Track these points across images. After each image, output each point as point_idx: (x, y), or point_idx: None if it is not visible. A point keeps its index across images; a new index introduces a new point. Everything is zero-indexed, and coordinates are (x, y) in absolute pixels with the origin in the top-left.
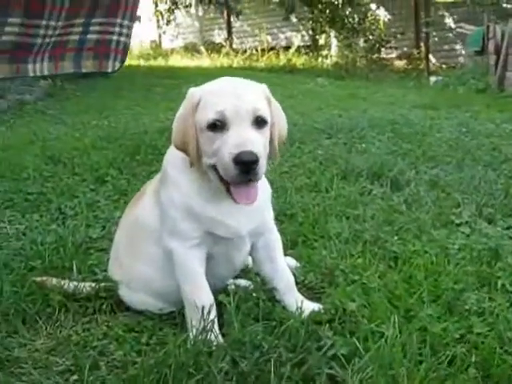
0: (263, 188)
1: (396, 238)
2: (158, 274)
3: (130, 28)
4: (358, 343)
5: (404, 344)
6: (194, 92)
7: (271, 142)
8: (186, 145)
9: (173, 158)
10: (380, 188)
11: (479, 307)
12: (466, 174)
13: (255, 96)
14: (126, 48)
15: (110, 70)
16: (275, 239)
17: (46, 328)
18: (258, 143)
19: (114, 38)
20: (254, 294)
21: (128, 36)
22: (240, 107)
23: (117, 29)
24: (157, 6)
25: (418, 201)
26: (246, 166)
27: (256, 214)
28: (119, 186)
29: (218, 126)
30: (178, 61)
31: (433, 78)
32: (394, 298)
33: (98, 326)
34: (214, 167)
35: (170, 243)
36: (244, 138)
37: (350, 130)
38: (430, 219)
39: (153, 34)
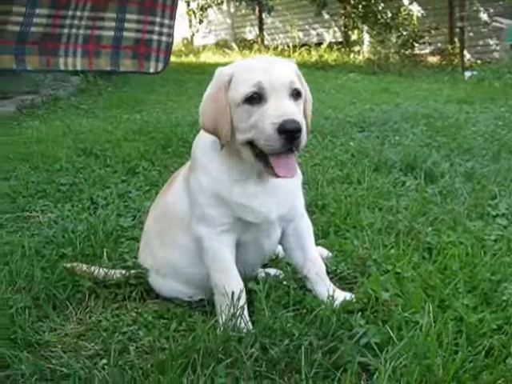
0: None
1: (430, 228)
2: (187, 261)
3: (171, 27)
4: (391, 332)
5: (439, 333)
6: (223, 70)
7: (304, 117)
8: (218, 124)
9: (202, 143)
10: (414, 180)
11: None
12: (502, 166)
13: (288, 70)
14: (168, 48)
15: (152, 71)
16: (306, 226)
17: (76, 313)
18: (298, 113)
19: (155, 37)
20: (285, 283)
21: (170, 36)
22: (276, 79)
23: (156, 28)
24: (189, 4)
25: (452, 192)
26: (290, 134)
27: (285, 198)
28: (150, 177)
29: (255, 98)
30: (209, 57)
31: (467, 73)
32: (429, 287)
33: (128, 313)
34: (248, 143)
35: (199, 230)
36: (285, 108)
37: (382, 123)
38: (465, 210)
39: (184, 32)
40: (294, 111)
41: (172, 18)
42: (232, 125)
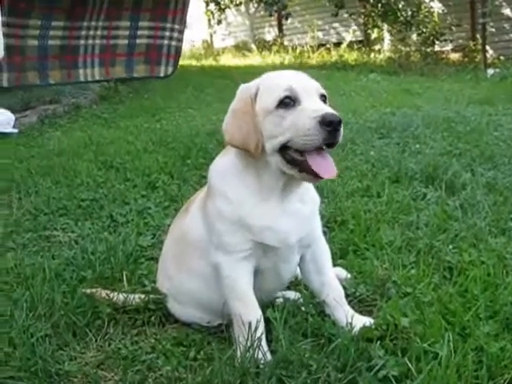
0: (312, 197)
1: (451, 246)
2: (204, 288)
3: (181, 32)
4: (409, 364)
5: (459, 365)
6: (248, 85)
7: None
8: (248, 138)
9: (219, 168)
10: (434, 192)
11: None
12: None
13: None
14: (178, 52)
15: (162, 75)
16: (323, 250)
17: (96, 340)
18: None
19: (165, 42)
20: (303, 308)
21: (180, 40)
22: (306, 83)
23: (167, 33)
24: (207, 5)
25: (474, 206)
26: (331, 126)
27: (304, 221)
28: (170, 191)
29: (288, 102)
30: (229, 59)
31: (490, 71)
32: (449, 313)
33: (147, 339)
34: (279, 152)
35: (217, 257)
36: (321, 105)
37: (403, 129)
38: (486, 226)
39: (204, 34)
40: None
41: (182, 22)
42: (262, 136)
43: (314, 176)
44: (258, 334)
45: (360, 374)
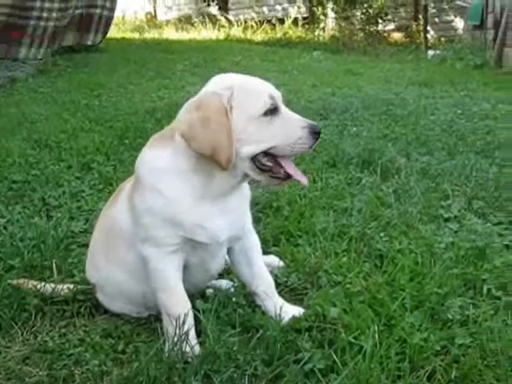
0: (246, 193)
1: (382, 234)
2: (132, 281)
3: (113, 2)
4: (335, 357)
5: (382, 358)
6: (216, 93)
7: None
8: (219, 147)
9: (151, 164)
10: (369, 177)
11: (462, 315)
12: (457, 162)
13: None
14: (108, 21)
15: (89, 43)
16: (253, 242)
17: (23, 334)
18: None
19: (97, 11)
20: (234, 299)
21: (111, 10)
22: (278, 92)
23: (99, 2)
24: None
25: (407, 191)
26: (319, 135)
27: (237, 219)
28: (105, 173)
29: (273, 110)
30: (172, 33)
31: (431, 52)
32: (377, 303)
33: (76, 331)
34: (253, 159)
35: (144, 249)
36: (297, 115)
37: (342, 111)
38: (418, 213)
39: (147, 6)
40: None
41: None
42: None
43: (281, 181)
44: (186, 327)
45: (287, 366)
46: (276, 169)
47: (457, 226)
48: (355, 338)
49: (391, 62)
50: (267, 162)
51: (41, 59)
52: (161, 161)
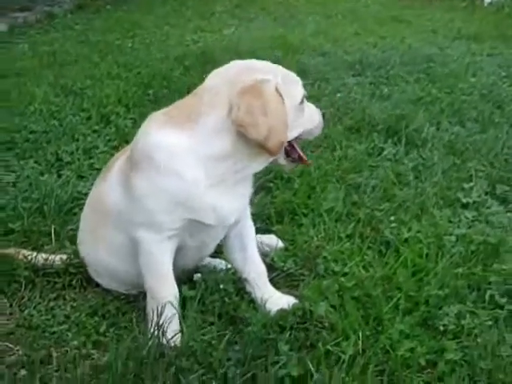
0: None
1: (393, 218)
2: (118, 261)
3: None
4: (311, 365)
5: (361, 371)
6: (265, 80)
7: None
8: (275, 133)
9: (169, 147)
10: (392, 147)
11: (457, 325)
12: (489, 136)
13: None
14: None
15: None
16: (249, 228)
17: (11, 305)
18: None
19: None
20: (222, 286)
21: None
22: None
23: None
24: None
25: (428, 169)
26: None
27: (244, 203)
28: (122, 127)
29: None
30: None
31: None
32: (369, 302)
33: (64, 305)
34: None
35: (137, 231)
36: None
37: (379, 66)
38: (434, 195)
39: None
40: None
41: None
42: None
43: (295, 162)
44: (170, 314)
45: (261, 370)
46: (292, 152)
47: (474, 214)
48: (337, 344)
49: (443, 8)
50: (287, 146)
51: None
52: (180, 144)
